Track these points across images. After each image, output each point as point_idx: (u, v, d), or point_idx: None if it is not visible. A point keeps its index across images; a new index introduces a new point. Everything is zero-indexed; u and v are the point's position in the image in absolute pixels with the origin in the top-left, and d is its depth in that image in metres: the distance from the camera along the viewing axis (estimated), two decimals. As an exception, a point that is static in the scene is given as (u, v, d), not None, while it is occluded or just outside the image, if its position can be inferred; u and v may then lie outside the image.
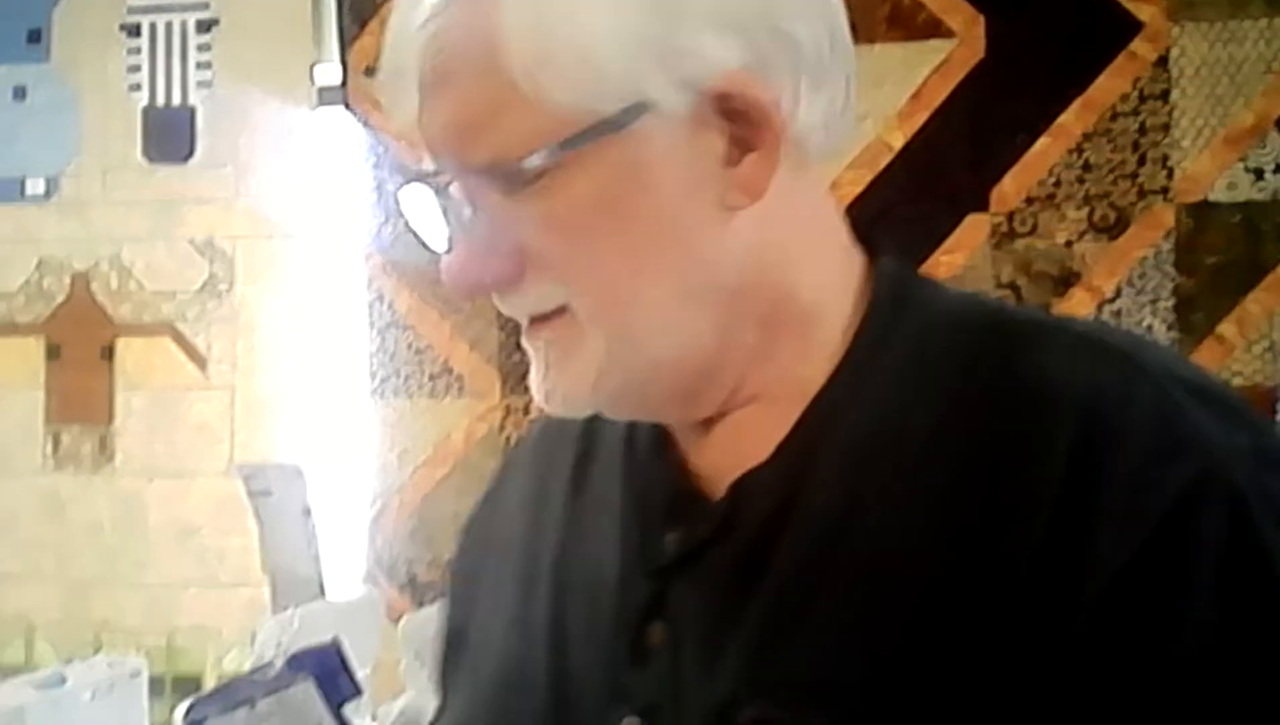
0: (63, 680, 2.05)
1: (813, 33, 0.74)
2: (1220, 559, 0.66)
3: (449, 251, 0.76)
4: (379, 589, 2.55)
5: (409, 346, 2.81)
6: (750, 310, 0.77)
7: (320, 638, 2.03)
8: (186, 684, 2.22)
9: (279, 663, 1.99)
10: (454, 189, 0.74)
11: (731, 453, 0.79)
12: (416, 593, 2.67)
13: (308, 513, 2.32)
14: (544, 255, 0.74)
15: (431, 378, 2.77)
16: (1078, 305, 2.50)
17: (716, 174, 0.74)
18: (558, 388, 0.78)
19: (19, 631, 2.75)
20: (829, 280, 0.78)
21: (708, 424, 0.80)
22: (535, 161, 0.72)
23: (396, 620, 2.31)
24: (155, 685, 2.17)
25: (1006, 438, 0.70)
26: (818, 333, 0.78)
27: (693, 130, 0.73)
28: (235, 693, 1.92)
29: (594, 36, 0.71)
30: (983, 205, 2.61)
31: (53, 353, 3.13)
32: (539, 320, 0.77)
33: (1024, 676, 0.67)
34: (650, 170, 0.73)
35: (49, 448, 3.07)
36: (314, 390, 2.87)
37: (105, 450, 3.04)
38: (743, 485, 0.78)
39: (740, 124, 0.74)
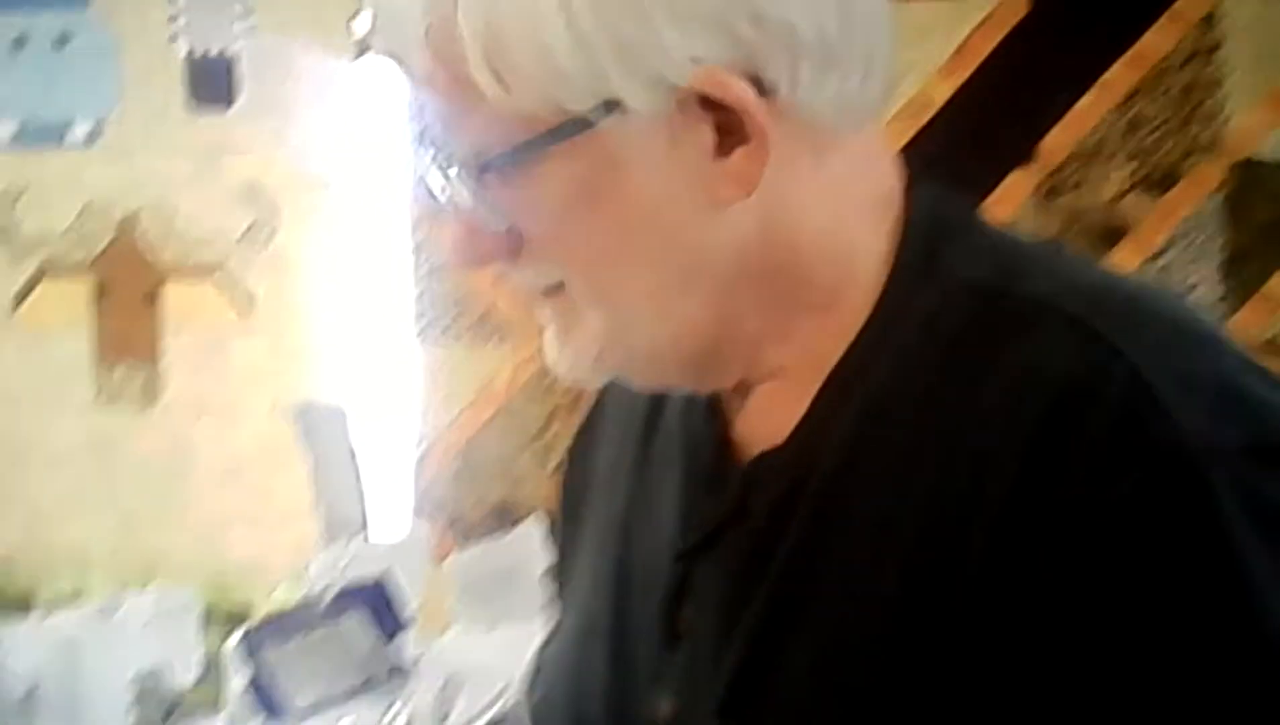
0: (115, 612, 2.09)
1: (811, 14, 0.72)
2: (1179, 559, 0.65)
3: (450, 223, 0.77)
4: (424, 529, 2.57)
5: (452, 292, 2.82)
6: (755, 294, 0.75)
7: (368, 575, 2.07)
8: (236, 617, 2.25)
9: (328, 598, 2.02)
10: (451, 169, 0.75)
11: (764, 425, 0.78)
12: (461, 533, 2.69)
13: (352, 453, 2.34)
14: (533, 240, 0.75)
15: (475, 323, 2.79)
16: (1125, 261, 2.49)
17: (704, 167, 0.73)
18: (563, 359, 0.78)
19: (72, 565, 2.78)
20: (855, 250, 0.77)
21: (744, 392, 0.79)
22: (508, 159, 0.73)
23: (442, 560, 2.34)
24: (205, 618, 2.20)
25: (983, 427, 0.69)
26: (840, 307, 0.76)
27: (672, 126, 0.72)
28: (287, 624, 1.95)
29: (548, 40, 0.71)
30: (1028, 160, 2.61)
31: (99, 295, 3.16)
32: (546, 291, 0.78)
33: (996, 680, 0.66)
34: (628, 165, 0.73)
35: (98, 387, 3.11)
36: (358, 334, 2.89)
37: (152, 390, 3.07)
38: (756, 468, 0.77)
39: (727, 116, 0.72)
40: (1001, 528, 0.67)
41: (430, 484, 2.78)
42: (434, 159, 0.75)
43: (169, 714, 2.05)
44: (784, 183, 0.74)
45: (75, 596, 2.42)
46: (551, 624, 0.93)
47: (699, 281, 0.75)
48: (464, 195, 0.75)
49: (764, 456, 0.77)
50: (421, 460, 2.80)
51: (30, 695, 1.98)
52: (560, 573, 0.94)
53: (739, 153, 0.73)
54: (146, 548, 2.86)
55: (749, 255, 0.75)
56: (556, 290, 0.76)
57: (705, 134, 0.73)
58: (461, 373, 2.80)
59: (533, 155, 0.72)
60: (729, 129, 0.73)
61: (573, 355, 0.77)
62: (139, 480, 3.00)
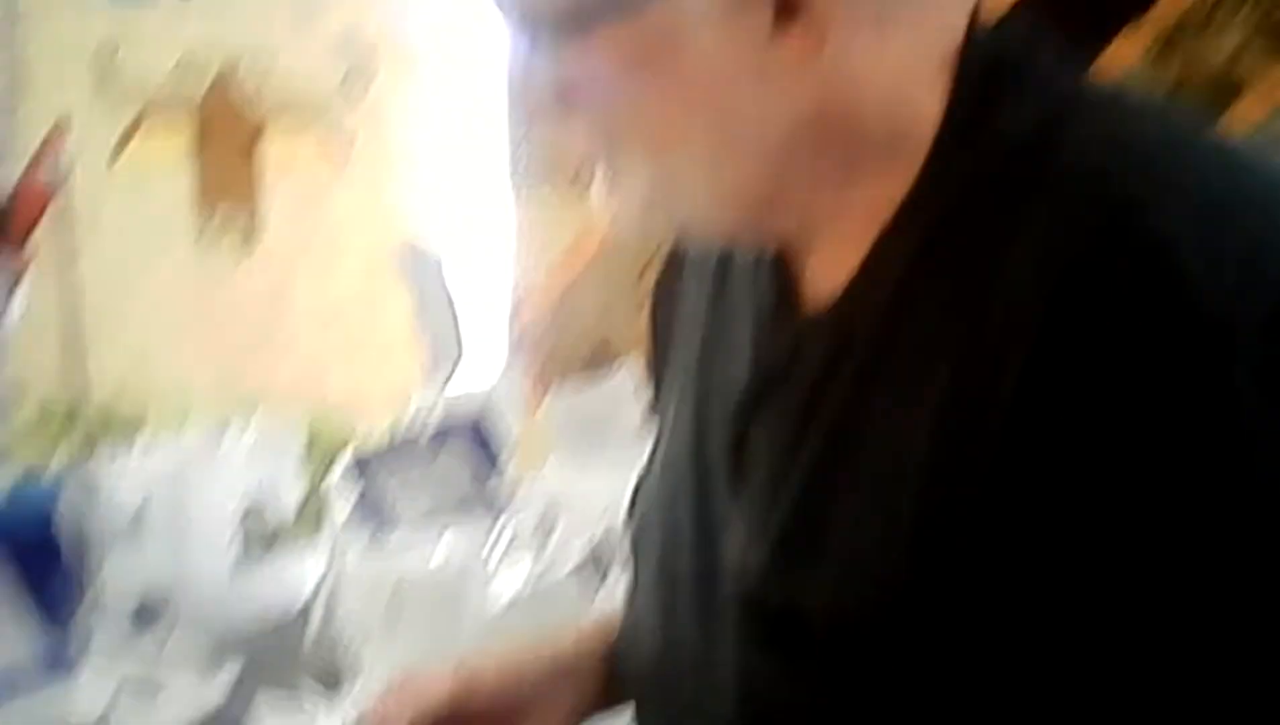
0: (219, 443, 2.13)
1: None
2: (1187, 428, 0.64)
3: (508, 75, 0.78)
4: (521, 372, 2.60)
5: (550, 142, 2.81)
6: (810, 161, 0.75)
7: (467, 412, 2.10)
8: (336, 451, 2.29)
9: (428, 433, 2.06)
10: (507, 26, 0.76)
11: (824, 283, 0.78)
12: (557, 377, 2.71)
13: (450, 298, 2.36)
14: (587, 100, 0.75)
15: (572, 173, 2.78)
16: (1241, 117, 2.42)
17: (761, 45, 0.72)
18: (612, 209, 0.78)
19: (176, 399, 2.85)
20: (914, 112, 0.75)
21: (807, 250, 0.79)
22: (558, 30, 0.73)
23: (535, 404, 2.37)
24: (306, 451, 2.24)
25: (1008, 294, 0.68)
26: (895, 169, 0.75)
27: (727, 4, 0.71)
28: (391, 453, 1.99)
29: None
30: (1143, 15, 2.53)
31: (199, 142, 3.19)
32: (599, 145, 0.77)
33: (1021, 533, 0.67)
34: (681, 43, 0.72)
35: (198, 231, 3.16)
36: (455, 182, 2.90)
37: (252, 234, 3.12)
38: (807, 326, 0.78)
39: None
40: (1023, 393, 0.67)
41: (527, 329, 2.81)
42: (506, 13, 0.76)
43: (271, 542, 2.10)
44: (845, 56, 0.72)
45: (179, 429, 2.48)
46: (647, 454, 0.94)
47: (753, 151, 0.74)
48: (518, 54, 0.75)
49: (811, 320, 0.77)
50: (518, 306, 2.82)
51: (138, 522, 2.03)
52: (655, 404, 0.95)
53: (798, 29, 0.71)
54: (248, 384, 2.92)
55: (806, 126, 0.74)
56: (609, 146, 0.76)
57: (763, 11, 0.71)
58: (558, 222, 2.81)
59: (582, 31, 0.72)
60: (788, 5, 0.71)
61: (621, 208, 0.78)
62: (240, 320, 3.06)
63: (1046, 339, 0.66)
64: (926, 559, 0.69)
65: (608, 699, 0.94)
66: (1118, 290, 0.65)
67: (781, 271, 0.80)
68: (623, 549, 0.95)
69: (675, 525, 0.85)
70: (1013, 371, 0.67)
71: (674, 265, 0.94)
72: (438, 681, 0.90)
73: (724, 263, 0.86)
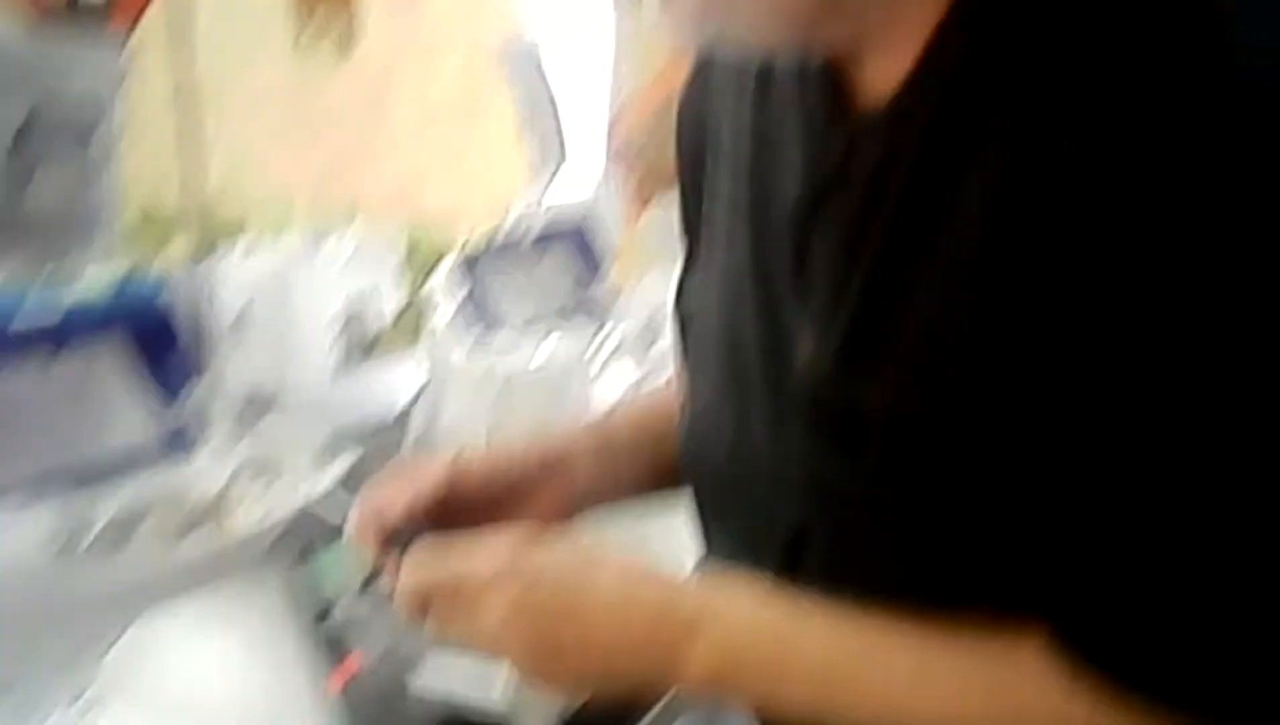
0: (320, 248, 2.14)
1: None
2: (1224, 229, 0.63)
3: None
4: (620, 181, 2.57)
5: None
6: None
7: (567, 223, 2.08)
8: (434, 259, 2.29)
9: (529, 241, 2.05)
10: None
11: (876, 87, 0.77)
12: (653, 191, 2.68)
13: (552, 96, 2.33)
14: None
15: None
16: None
17: None
18: (664, 21, 0.77)
19: (276, 203, 2.86)
20: None
21: (859, 53, 0.78)
22: None
23: (635, 216, 2.35)
24: (405, 259, 2.25)
25: (1053, 89, 0.67)
26: None
27: None
28: (496, 255, 1.99)
29: None
30: None
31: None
32: None
33: (1071, 343, 0.66)
34: None
35: (295, 34, 3.12)
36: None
37: (349, 38, 3.08)
38: (856, 133, 0.77)
39: None
40: (1075, 175, 0.66)
41: (625, 142, 2.77)
42: None
43: (370, 349, 2.12)
44: None
45: (279, 233, 2.48)
46: (683, 263, 0.94)
47: None
48: None
49: (863, 126, 0.77)
50: (618, 118, 2.77)
51: (241, 323, 2.05)
52: (687, 215, 0.95)
53: None
54: (347, 191, 2.92)
55: None
56: None
57: None
58: (658, 34, 2.74)
59: None
60: None
61: (674, 18, 0.76)
62: (338, 126, 3.04)
63: (1097, 120, 0.66)
64: (983, 353, 0.69)
65: (602, 494, 0.98)
66: (1168, 72, 0.64)
67: (831, 80, 0.79)
68: (674, 356, 0.96)
69: (740, 335, 0.85)
70: (1066, 155, 0.66)
71: (699, 82, 0.93)
72: (431, 469, 0.92)
73: (763, 76, 0.85)
